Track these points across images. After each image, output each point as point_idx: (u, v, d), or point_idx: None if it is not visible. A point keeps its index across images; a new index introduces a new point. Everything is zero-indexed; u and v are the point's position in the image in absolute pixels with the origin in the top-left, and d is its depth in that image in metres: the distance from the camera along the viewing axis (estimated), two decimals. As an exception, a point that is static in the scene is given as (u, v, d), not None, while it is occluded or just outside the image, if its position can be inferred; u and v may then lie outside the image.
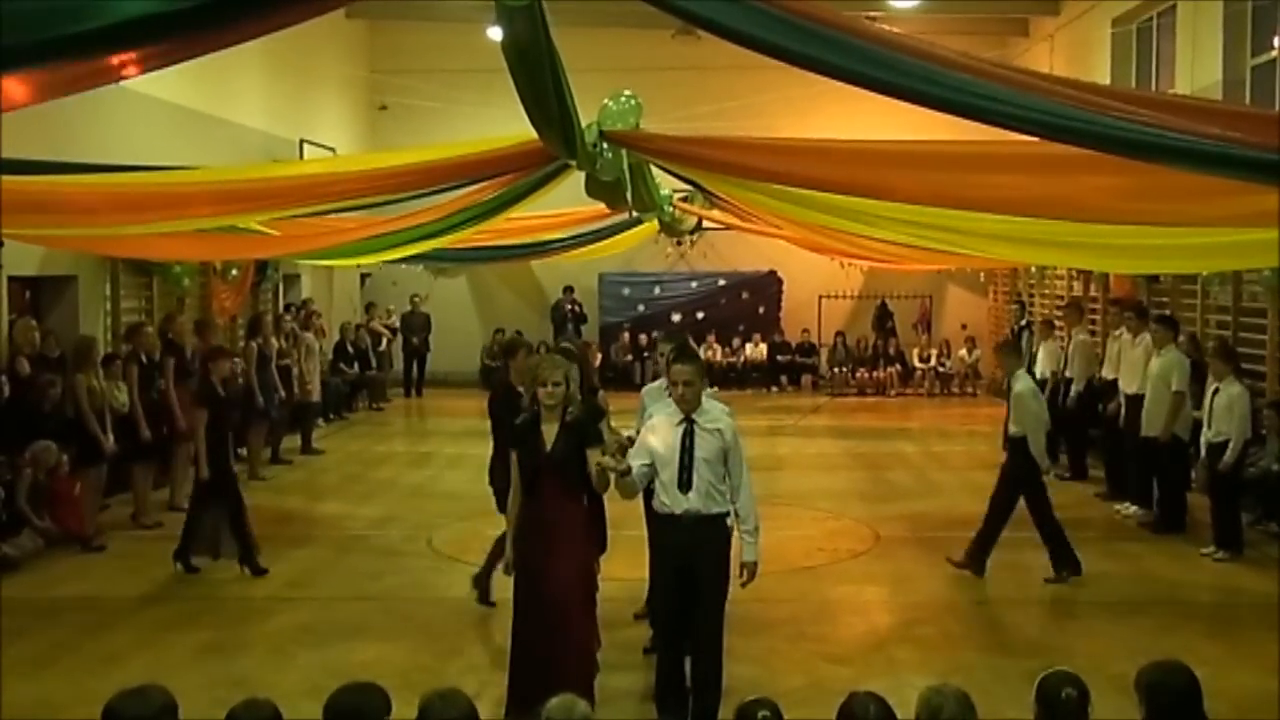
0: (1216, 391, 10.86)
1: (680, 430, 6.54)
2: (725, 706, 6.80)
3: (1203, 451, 11.06)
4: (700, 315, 24.44)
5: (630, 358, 23.82)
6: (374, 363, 21.62)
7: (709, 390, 7.67)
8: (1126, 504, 12.51)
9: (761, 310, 24.59)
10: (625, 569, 8.38)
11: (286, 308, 18.99)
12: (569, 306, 23.71)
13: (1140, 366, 12.41)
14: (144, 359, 12.42)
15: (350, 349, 20.82)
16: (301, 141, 19.99)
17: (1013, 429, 10.21)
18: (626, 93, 7.87)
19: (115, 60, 4.40)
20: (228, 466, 10.37)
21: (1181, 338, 13.72)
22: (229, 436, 10.62)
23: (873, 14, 17.11)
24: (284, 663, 7.97)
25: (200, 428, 10.11)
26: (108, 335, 14.24)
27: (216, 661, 8.01)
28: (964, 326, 23.91)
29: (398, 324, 23.22)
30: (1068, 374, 14.70)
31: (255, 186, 8.55)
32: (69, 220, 8.30)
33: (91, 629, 8.80)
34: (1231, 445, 10.63)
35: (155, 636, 8.59)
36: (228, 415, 10.58)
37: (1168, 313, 13.70)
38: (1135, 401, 12.37)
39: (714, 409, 6.74)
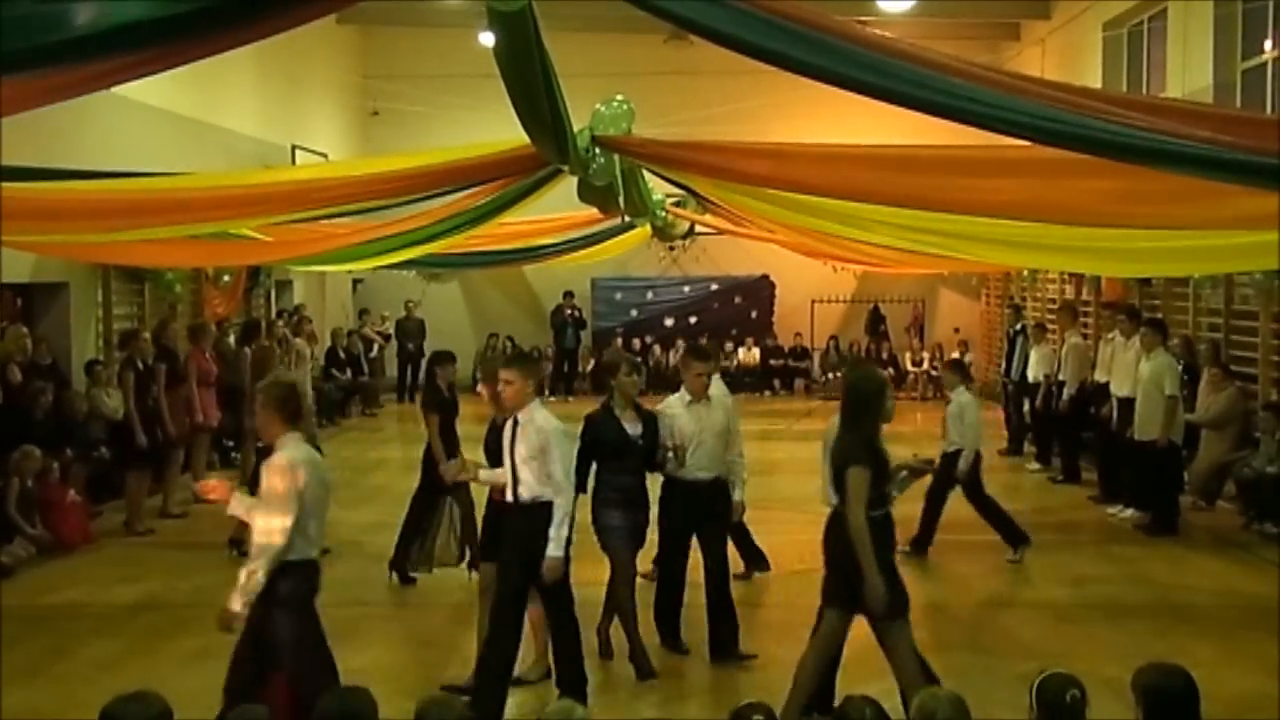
0: (949, 401, 10.92)
1: None
2: (720, 708, 6.80)
3: (936, 461, 10.86)
4: (693, 320, 24.46)
5: (623, 362, 23.78)
6: (366, 369, 21.60)
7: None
8: (1119, 506, 12.52)
9: (754, 314, 24.60)
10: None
11: (279, 313, 18.99)
12: (568, 312, 23.74)
13: (1132, 369, 12.44)
14: (139, 365, 12.41)
15: (342, 355, 20.82)
16: (293, 147, 19.99)
17: None
18: (618, 97, 7.87)
19: (108, 66, 4.39)
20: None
21: (1174, 340, 13.77)
22: (458, 440, 10.17)
23: (864, 18, 17.12)
24: (277, 669, 7.94)
25: (434, 432, 9.81)
26: (99, 342, 14.24)
27: (210, 668, 7.93)
28: (957, 330, 23.93)
29: (391, 330, 23.21)
30: (1060, 377, 14.75)
31: (247, 192, 8.53)
32: (61, 227, 8.29)
33: (84, 636, 8.77)
34: (964, 454, 10.63)
35: (148, 643, 8.56)
36: (454, 418, 10.25)
37: (1159, 316, 13.73)
38: (1127, 404, 12.39)
39: None
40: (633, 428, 7.84)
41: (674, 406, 8.15)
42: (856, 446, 6.42)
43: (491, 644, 7.01)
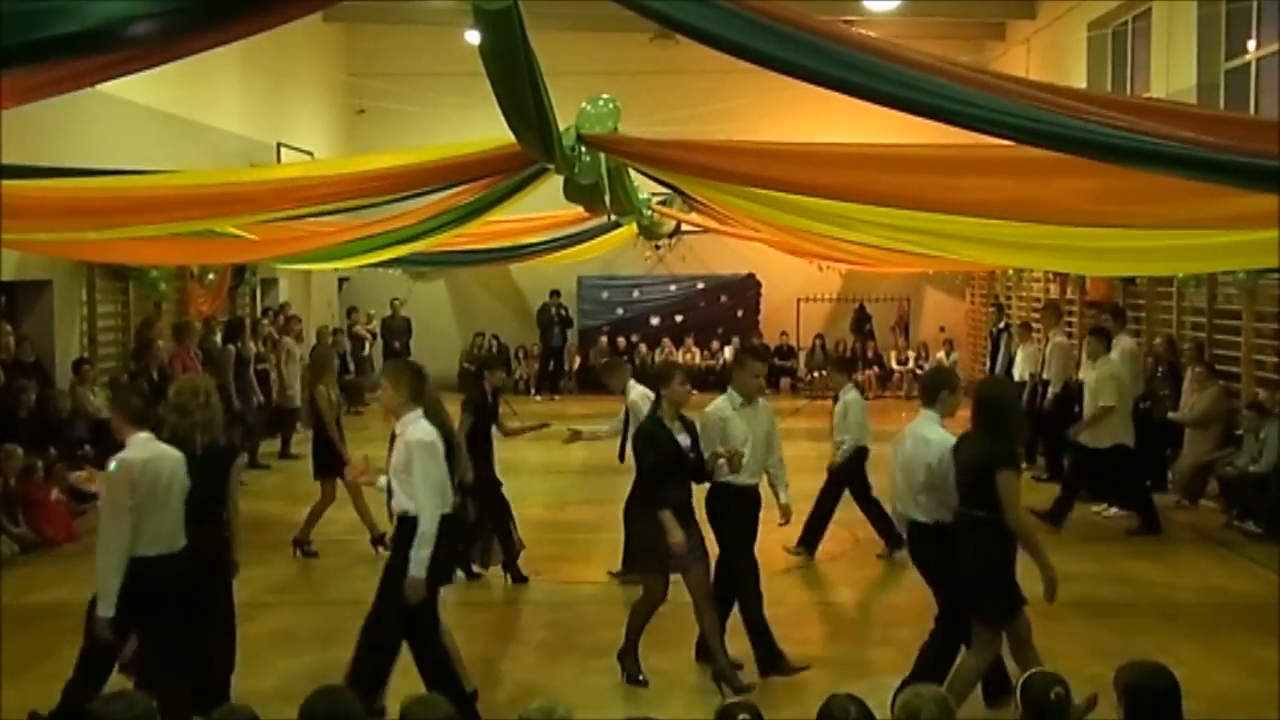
0: (836, 398, 11.08)
1: None
2: (705, 709, 6.81)
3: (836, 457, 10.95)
4: (679, 318, 24.48)
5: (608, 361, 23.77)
6: (352, 367, 21.55)
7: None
8: (1104, 505, 12.57)
9: (740, 313, 24.62)
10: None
11: (264, 312, 18.94)
12: (554, 310, 23.76)
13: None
14: (154, 376, 12.48)
15: (328, 353, 20.75)
16: (279, 145, 19.94)
17: None
18: (604, 96, 7.86)
19: (94, 64, 4.38)
20: (492, 474, 9.97)
21: (1158, 340, 13.83)
22: (492, 444, 10.13)
23: (849, 17, 17.15)
24: (262, 668, 7.93)
25: (462, 433, 9.57)
26: (83, 340, 14.19)
27: (194, 667, 7.95)
28: (942, 329, 23.99)
29: (377, 329, 23.18)
30: (1045, 376, 14.80)
31: (232, 190, 8.51)
32: (45, 224, 8.25)
33: (69, 635, 8.66)
34: (844, 448, 10.78)
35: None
36: (490, 424, 10.16)
37: (1142, 315, 13.78)
38: (1111, 403, 12.44)
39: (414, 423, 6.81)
40: (682, 439, 7.55)
41: (725, 410, 7.86)
42: (1004, 452, 6.72)
43: (355, 658, 6.89)
